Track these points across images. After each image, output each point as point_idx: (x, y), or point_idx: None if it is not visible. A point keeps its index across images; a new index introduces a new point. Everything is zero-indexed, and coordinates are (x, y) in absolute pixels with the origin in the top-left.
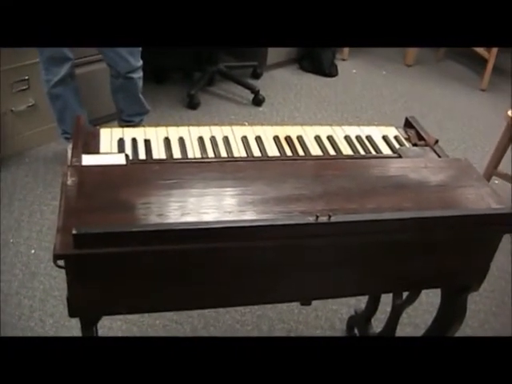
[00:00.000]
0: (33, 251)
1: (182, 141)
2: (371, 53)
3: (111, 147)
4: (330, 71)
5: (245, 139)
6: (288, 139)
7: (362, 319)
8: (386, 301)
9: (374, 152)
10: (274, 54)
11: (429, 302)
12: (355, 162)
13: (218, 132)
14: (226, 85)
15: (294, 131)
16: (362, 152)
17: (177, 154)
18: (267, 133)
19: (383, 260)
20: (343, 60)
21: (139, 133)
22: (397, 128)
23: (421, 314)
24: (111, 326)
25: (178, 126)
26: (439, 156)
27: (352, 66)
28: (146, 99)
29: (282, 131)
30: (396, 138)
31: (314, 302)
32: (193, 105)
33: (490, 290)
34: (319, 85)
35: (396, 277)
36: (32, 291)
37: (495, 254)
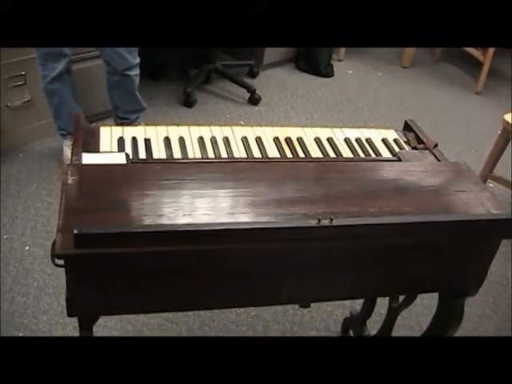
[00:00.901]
0: (27, 248)
1: (182, 140)
2: (367, 54)
3: (111, 146)
4: (326, 71)
5: (245, 140)
6: (288, 140)
7: (357, 321)
8: (381, 303)
9: (373, 155)
10: (271, 53)
11: (423, 304)
12: (356, 165)
13: (219, 132)
14: (222, 83)
15: (294, 132)
16: (362, 155)
17: (177, 153)
18: (267, 134)
19: (383, 263)
20: (339, 60)
21: (139, 132)
22: (396, 131)
23: (415, 316)
24: (106, 324)
25: (178, 125)
26: (438, 159)
27: (348, 67)
28: (142, 96)
29: (282, 132)
30: (395, 140)
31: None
32: (189, 103)
33: (483, 293)
34: (315, 85)
35: (395, 280)
36: (26, 288)
37: None
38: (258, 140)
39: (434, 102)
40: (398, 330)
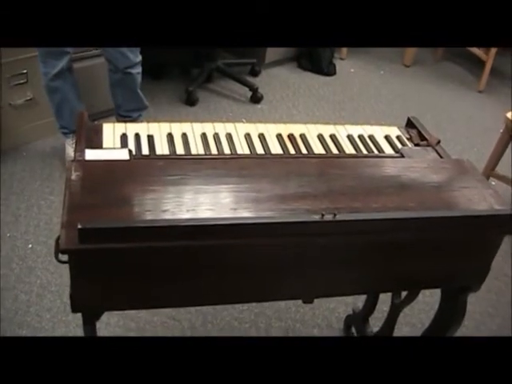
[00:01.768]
0: (30, 246)
1: (185, 137)
2: (369, 52)
3: (114, 142)
4: (328, 70)
5: (248, 136)
6: (291, 137)
7: (359, 318)
8: (383, 300)
9: (376, 151)
10: (273, 52)
11: (425, 301)
12: (358, 161)
13: (221, 129)
14: (224, 82)
15: (296, 129)
16: (365, 151)
17: (180, 150)
18: (270, 130)
19: (386, 259)
20: (341, 59)
21: (142, 128)
22: (399, 128)
23: (417, 313)
24: (108, 321)
25: (181, 121)
26: (441, 156)
27: (350, 66)
28: (144, 95)
29: (285, 129)
30: (398, 137)
31: None
32: (191, 101)
33: (485, 290)
34: (317, 83)
35: (398, 276)
36: (29, 286)
37: None
38: (261, 137)
39: (436, 101)
40: (400, 328)
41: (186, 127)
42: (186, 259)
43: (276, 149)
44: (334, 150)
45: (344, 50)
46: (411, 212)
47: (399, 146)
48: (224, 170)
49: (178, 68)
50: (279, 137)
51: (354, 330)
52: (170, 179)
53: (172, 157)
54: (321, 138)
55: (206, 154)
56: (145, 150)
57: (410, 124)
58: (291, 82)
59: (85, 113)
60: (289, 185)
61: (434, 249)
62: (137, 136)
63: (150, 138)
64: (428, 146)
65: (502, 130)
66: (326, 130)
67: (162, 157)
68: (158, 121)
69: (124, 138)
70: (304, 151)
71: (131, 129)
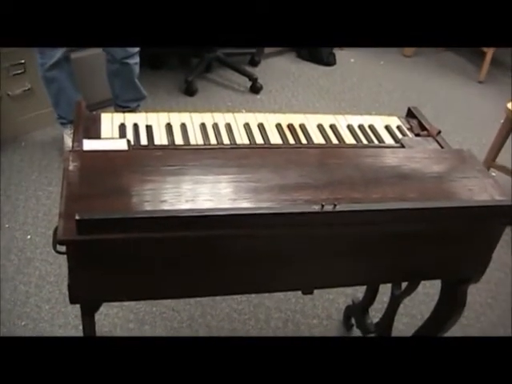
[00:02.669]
0: (29, 237)
1: (184, 127)
2: None
3: (112, 132)
4: (328, 60)
5: (247, 126)
6: (290, 127)
7: (359, 309)
8: (383, 291)
9: (376, 142)
10: None
11: (425, 292)
12: (359, 151)
13: (221, 119)
14: (223, 72)
15: (296, 119)
16: (365, 141)
17: (179, 140)
18: (269, 120)
19: (387, 250)
20: (341, 49)
21: (141, 118)
22: (399, 118)
23: (417, 304)
24: (107, 312)
25: (179, 111)
26: (442, 146)
27: (350, 56)
28: (143, 85)
29: (285, 119)
30: (398, 127)
31: None
32: (190, 91)
33: (485, 281)
34: (317, 73)
35: (398, 267)
36: (28, 277)
37: None
38: (261, 126)
39: (436, 91)
40: (400, 318)
41: (184, 117)
42: (185, 250)
43: (275, 139)
44: (334, 140)
45: None
46: (412, 203)
47: (399, 136)
48: (223, 160)
49: (178, 58)
50: (278, 127)
51: (353, 320)
52: (168, 169)
53: (171, 147)
54: (320, 127)
55: (205, 144)
56: (143, 141)
57: (410, 114)
58: (291, 72)
59: (83, 102)
60: (289, 175)
61: (434, 240)
62: (135, 126)
63: (149, 128)
64: (428, 136)
65: (502, 121)
66: (326, 120)
67: (161, 147)
68: (157, 111)
69: (122, 128)
70: (304, 141)
71: (129, 119)
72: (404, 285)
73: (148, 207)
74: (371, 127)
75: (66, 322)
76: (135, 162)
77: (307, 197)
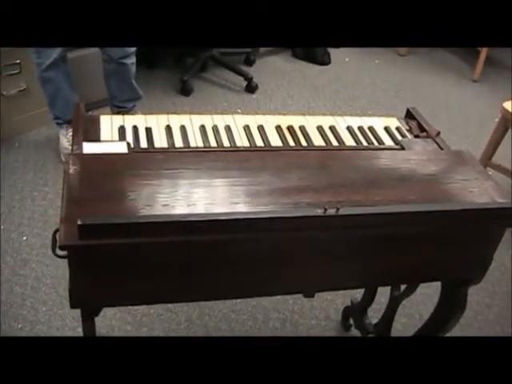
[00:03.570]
0: (24, 238)
1: (183, 129)
2: None
3: (112, 135)
4: (323, 59)
5: (247, 128)
6: (290, 129)
7: (357, 310)
8: (382, 291)
9: (376, 143)
10: None
11: (423, 292)
12: (359, 153)
13: (220, 120)
14: (219, 71)
15: (296, 121)
16: (365, 143)
17: (179, 142)
18: (269, 122)
19: (388, 252)
20: (336, 48)
21: (140, 120)
22: (398, 119)
23: (415, 304)
24: (105, 314)
25: (179, 113)
26: (441, 148)
27: (345, 55)
28: (139, 85)
29: (284, 121)
30: (398, 129)
31: None
32: (185, 91)
33: (483, 280)
34: (312, 72)
35: (399, 269)
36: (24, 278)
37: None
38: (260, 128)
39: (431, 90)
40: (398, 319)
41: (184, 119)
42: (187, 254)
43: (275, 141)
44: (334, 142)
45: None
46: (414, 205)
47: (399, 137)
48: (224, 163)
49: (173, 57)
50: (278, 128)
51: (352, 321)
52: (169, 173)
53: (171, 150)
54: (320, 129)
55: (205, 147)
56: (143, 143)
57: (409, 115)
58: (286, 72)
59: (81, 104)
60: (290, 178)
61: (436, 242)
62: (135, 128)
63: (148, 131)
64: (428, 137)
65: (497, 120)
66: (326, 122)
67: (161, 150)
68: (156, 113)
69: (122, 130)
70: (304, 143)
71: (129, 121)
72: (403, 286)
73: (149, 211)
74: (371, 129)
75: (63, 324)
76: (136, 165)
77: (309, 200)
